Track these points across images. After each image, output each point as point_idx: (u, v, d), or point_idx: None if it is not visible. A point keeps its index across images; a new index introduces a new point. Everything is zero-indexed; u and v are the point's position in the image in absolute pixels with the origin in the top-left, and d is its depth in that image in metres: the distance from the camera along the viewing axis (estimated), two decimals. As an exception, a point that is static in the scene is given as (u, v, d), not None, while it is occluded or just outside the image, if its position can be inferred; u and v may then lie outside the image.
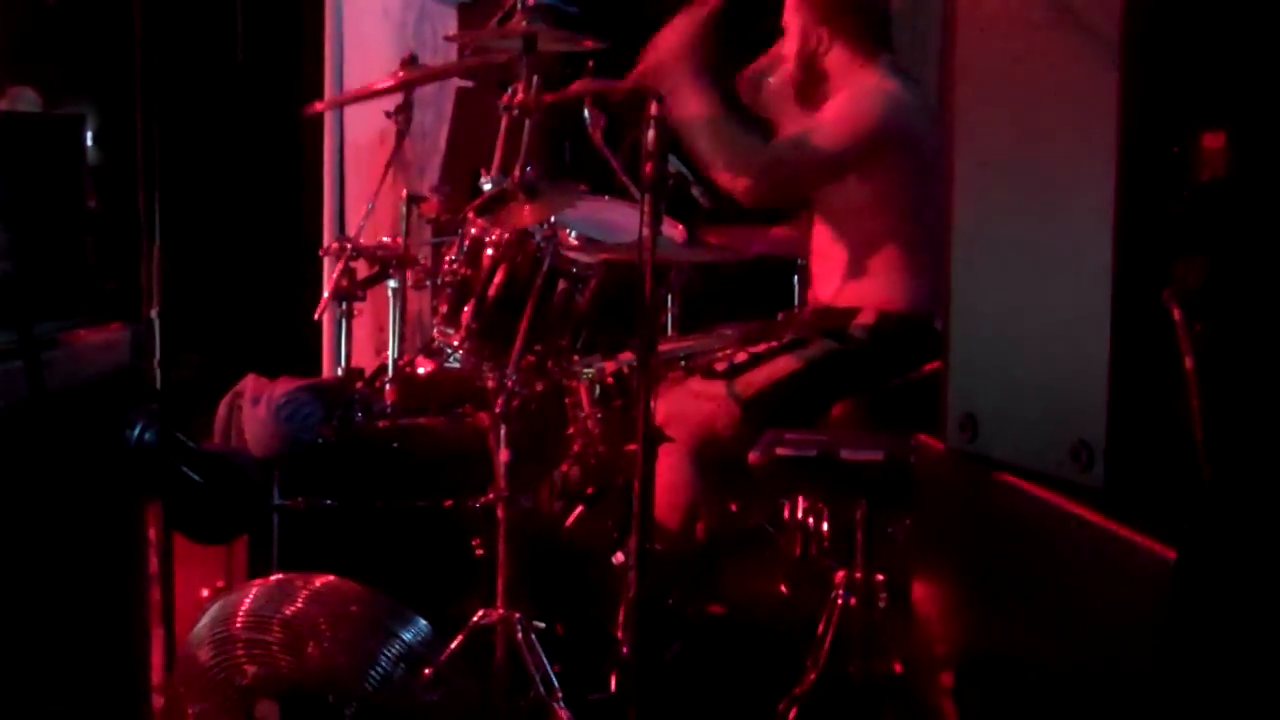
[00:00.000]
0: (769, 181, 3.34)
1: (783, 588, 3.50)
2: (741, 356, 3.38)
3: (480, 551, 3.17)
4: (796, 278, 4.10)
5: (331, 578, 2.80)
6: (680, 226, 3.41)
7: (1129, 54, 1.81)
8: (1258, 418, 1.80)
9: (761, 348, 3.41)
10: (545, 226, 3.12)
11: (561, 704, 2.88)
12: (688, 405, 3.36)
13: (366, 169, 4.97)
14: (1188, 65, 1.83)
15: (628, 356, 3.30)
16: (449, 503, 3.20)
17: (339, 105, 4.96)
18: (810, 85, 3.55)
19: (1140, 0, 1.81)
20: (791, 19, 3.56)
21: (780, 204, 3.65)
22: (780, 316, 3.90)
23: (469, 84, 5.15)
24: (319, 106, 4.09)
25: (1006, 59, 1.99)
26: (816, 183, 3.48)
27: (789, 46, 3.57)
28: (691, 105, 3.23)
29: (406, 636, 2.74)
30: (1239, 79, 1.82)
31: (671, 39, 3.27)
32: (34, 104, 4.79)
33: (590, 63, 3.75)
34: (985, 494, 2.03)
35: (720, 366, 3.38)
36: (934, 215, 2.29)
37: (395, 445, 3.38)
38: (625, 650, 2.68)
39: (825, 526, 3.46)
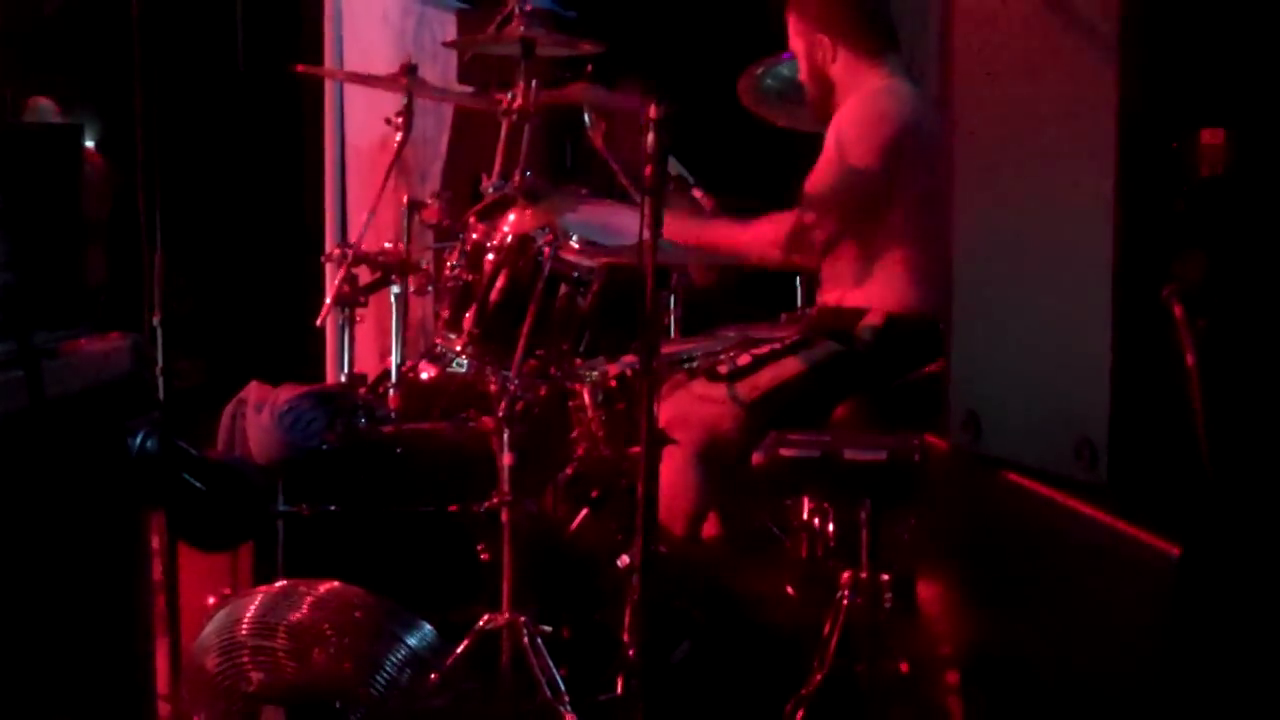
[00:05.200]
0: (823, 232, 3.37)
1: (789, 589, 3.49)
2: (745, 359, 3.37)
3: (485, 556, 3.17)
4: (799, 279, 4.10)
5: (336, 584, 2.80)
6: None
7: (1127, 50, 1.81)
8: (1260, 413, 1.80)
9: (765, 350, 3.39)
10: (546, 231, 3.12)
11: (568, 707, 2.87)
12: (691, 408, 3.35)
13: (368, 175, 4.98)
14: (1186, 61, 1.83)
15: (630, 359, 3.29)
16: (453, 507, 3.20)
17: (329, 77, 4.97)
18: (824, 101, 3.53)
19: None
20: (796, 41, 3.54)
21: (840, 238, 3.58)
22: (783, 318, 3.89)
23: (469, 89, 5.15)
24: (300, 68, 4.07)
25: (1005, 56, 1.99)
26: (864, 204, 3.41)
27: (801, 69, 3.55)
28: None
29: (412, 641, 2.74)
30: (1238, 75, 1.82)
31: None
32: (52, 115, 4.81)
33: (589, 67, 3.75)
34: (989, 492, 2.03)
35: (724, 369, 3.37)
36: (943, 215, 2.28)
37: (399, 450, 3.38)
38: (631, 653, 2.67)
39: (830, 527, 3.45)
